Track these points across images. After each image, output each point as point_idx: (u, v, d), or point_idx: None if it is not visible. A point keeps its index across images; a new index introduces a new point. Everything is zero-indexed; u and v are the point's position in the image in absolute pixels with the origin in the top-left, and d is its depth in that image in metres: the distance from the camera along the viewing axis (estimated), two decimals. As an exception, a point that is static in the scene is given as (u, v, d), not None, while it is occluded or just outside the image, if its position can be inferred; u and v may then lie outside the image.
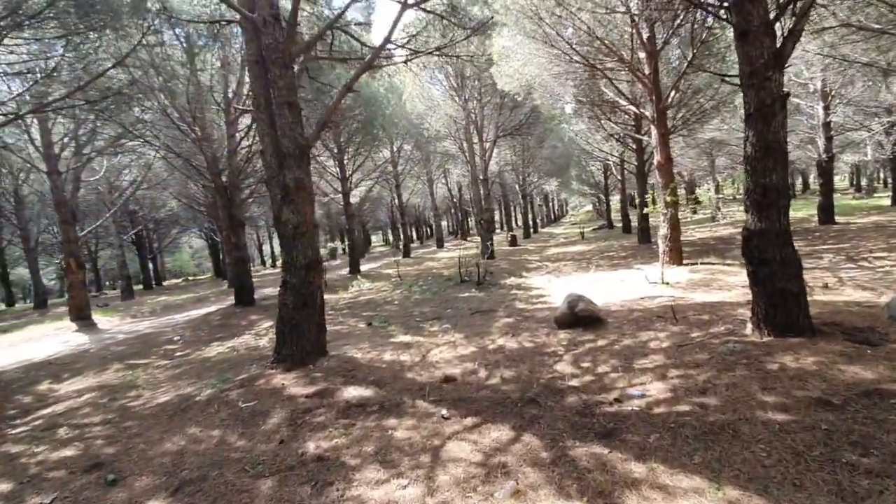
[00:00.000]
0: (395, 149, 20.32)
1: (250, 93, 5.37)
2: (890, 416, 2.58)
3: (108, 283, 38.51)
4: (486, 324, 6.83)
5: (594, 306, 5.95)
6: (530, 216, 34.27)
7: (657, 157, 9.38)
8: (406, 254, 23.51)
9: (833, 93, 13.39)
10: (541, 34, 8.10)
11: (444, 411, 3.63)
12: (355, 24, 6.86)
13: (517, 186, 26.02)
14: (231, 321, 10.42)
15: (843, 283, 6.88)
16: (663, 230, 9.54)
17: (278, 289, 5.47)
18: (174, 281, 37.10)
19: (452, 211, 46.37)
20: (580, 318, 5.86)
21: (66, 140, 13.37)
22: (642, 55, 9.16)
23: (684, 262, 9.59)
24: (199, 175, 11.86)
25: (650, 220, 14.63)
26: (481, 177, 15.83)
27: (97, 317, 14.00)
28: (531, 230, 30.65)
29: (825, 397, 2.96)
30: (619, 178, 19.64)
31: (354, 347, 6.03)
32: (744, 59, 4.21)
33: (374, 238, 65.49)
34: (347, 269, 18.03)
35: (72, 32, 7.67)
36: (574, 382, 3.94)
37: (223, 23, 5.79)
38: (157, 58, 8.84)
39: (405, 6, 5.59)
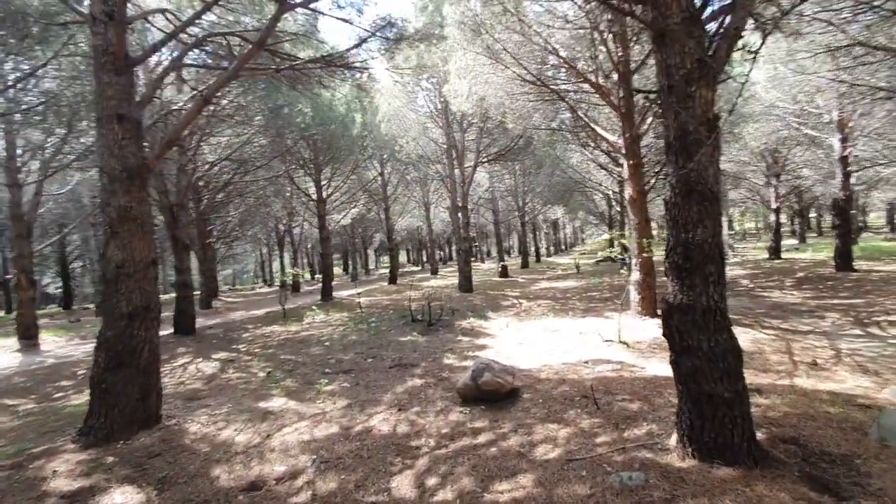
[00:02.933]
0: (380, 171, 19.51)
1: (99, 104, 4.45)
2: None
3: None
4: (389, 385, 5.65)
5: (503, 379, 4.70)
6: (533, 244, 32.93)
7: (629, 191, 8.15)
8: (392, 280, 22.43)
9: (852, 124, 11.91)
10: (484, 49, 7.11)
11: (165, 565, 2.47)
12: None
13: (516, 213, 24.84)
14: (155, 353, 9.46)
15: (839, 359, 5.45)
16: (635, 275, 8.22)
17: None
18: (165, 297, 36.84)
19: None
20: (484, 392, 4.63)
21: (28, 154, 12.97)
22: (615, 77, 8.04)
23: (658, 312, 8.20)
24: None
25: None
26: (460, 203, 14.75)
27: (46, 335, 13.35)
28: (530, 259, 29.23)
29: None
30: (617, 209, 18.28)
31: (209, 413, 4.93)
32: (661, 69, 3.07)
33: (383, 258, 64.79)
34: (320, 296, 17.08)
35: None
36: (387, 520, 2.72)
37: (70, 23, 4.99)
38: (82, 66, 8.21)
39: (284, 6, 4.67)
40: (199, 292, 21.26)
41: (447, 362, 6.67)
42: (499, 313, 11.03)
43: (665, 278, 3.16)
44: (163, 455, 3.85)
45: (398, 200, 23.43)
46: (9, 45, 7.70)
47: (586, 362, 5.83)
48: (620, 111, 7.94)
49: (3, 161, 12.45)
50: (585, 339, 7.19)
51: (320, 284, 27.83)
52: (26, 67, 9.48)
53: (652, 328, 7.48)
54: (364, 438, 4.00)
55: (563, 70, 8.12)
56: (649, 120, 8.26)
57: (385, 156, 18.28)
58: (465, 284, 14.83)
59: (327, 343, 8.78)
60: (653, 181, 10.18)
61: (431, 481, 3.10)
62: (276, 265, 42.89)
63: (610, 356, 6.02)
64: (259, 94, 10.93)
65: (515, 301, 12.89)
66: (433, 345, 7.99)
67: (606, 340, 6.75)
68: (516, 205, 24.19)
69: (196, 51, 5.40)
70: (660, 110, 8.50)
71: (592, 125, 8.77)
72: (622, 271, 7.53)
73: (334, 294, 17.53)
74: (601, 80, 7.91)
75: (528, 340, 7.70)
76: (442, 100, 14.29)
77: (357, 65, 6.95)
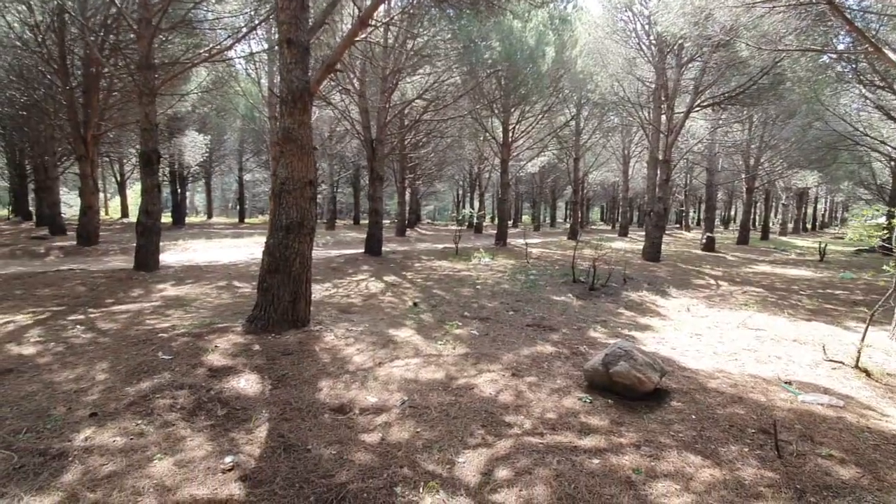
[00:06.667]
0: (574, 114, 17.73)
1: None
2: None
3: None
4: (517, 344, 5.17)
5: (644, 375, 3.69)
6: (762, 217, 26.33)
7: (934, 149, 5.23)
8: (573, 235, 21.06)
9: None
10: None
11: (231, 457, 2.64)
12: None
13: (743, 175, 19.85)
14: (344, 266, 11.02)
15: None
16: (914, 277, 5.48)
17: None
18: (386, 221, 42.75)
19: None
20: (616, 384, 3.75)
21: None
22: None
23: (949, 340, 5.38)
24: (351, 127, 12.63)
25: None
26: (661, 156, 12.29)
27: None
28: (753, 235, 23.50)
29: None
30: (912, 180, 12.59)
31: (347, 327, 5.33)
32: None
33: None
34: (494, 239, 17.25)
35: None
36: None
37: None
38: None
39: None
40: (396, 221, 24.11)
41: (592, 335, 5.77)
42: (683, 291, 9.13)
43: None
44: (293, 355, 4.31)
45: (592, 150, 21.35)
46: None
47: (788, 383, 4.20)
48: (951, 18, 4.97)
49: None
50: (797, 352, 5.24)
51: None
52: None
53: (926, 360, 4.97)
54: (461, 395, 3.69)
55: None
56: None
57: (582, 99, 16.49)
58: (651, 252, 12.76)
59: (479, 286, 8.70)
60: None
61: (501, 474, 2.58)
62: (468, 206, 45.41)
63: (830, 384, 4.19)
64: (453, 29, 10.80)
65: (711, 281, 10.50)
66: (585, 312, 7.07)
67: (833, 361, 4.75)
68: (745, 165, 19.29)
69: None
70: None
71: (882, 49, 5.84)
72: (886, 267, 5.10)
73: (509, 241, 17.48)
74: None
75: (709, 333, 6.08)
76: (656, 28, 11.77)
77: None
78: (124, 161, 28.05)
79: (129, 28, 10.07)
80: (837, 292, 9.37)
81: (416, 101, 12.51)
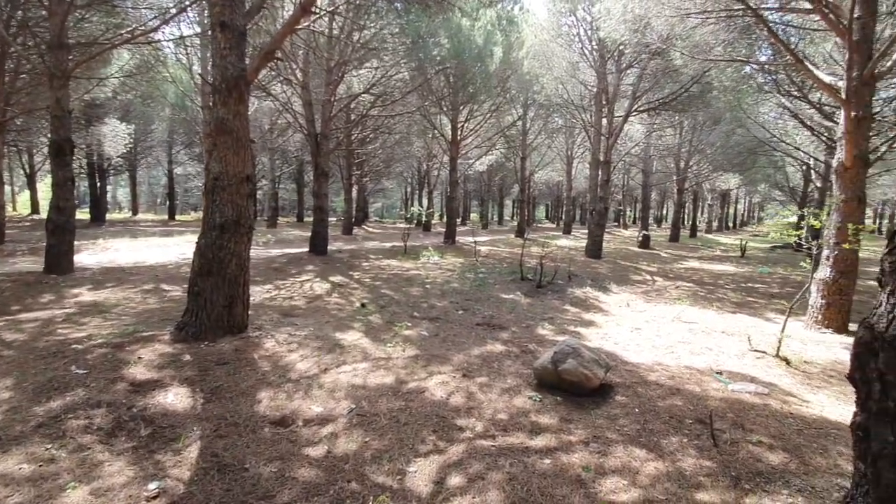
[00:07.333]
0: (520, 115, 18.11)
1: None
2: None
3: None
4: (467, 344, 5.14)
5: (591, 371, 3.77)
6: (691, 216, 28.34)
7: (840, 156, 5.81)
8: (520, 233, 21.54)
9: None
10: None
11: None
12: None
13: (674, 177, 21.24)
14: (287, 267, 10.51)
15: None
16: (823, 272, 6.05)
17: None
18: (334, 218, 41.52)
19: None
20: (564, 381, 3.80)
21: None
22: (854, -15, 5.52)
23: (850, 327, 6.01)
24: (294, 120, 12.07)
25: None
26: (602, 158, 12.85)
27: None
28: (683, 233, 25.24)
29: None
30: (817, 185, 14.05)
31: (290, 332, 5.05)
32: None
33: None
34: (443, 237, 17.23)
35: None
36: (383, 514, 2.23)
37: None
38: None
39: None
40: (342, 219, 23.44)
41: (540, 332, 5.87)
42: (623, 287, 9.56)
43: (879, 286, 1.88)
44: (229, 364, 3.99)
45: (538, 150, 21.92)
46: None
47: (719, 373, 4.47)
48: (850, 38, 5.51)
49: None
50: (726, 343, 5.62)
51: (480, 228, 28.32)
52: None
53: (834, 347, 5.50)
54: (412, 399, 3.58)
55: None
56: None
57: (529, 100, 16.84)
58: (593, 249, 13.29)
59: (429, 286, 8.61)
60: (882, 147, 7.31)
61: (454, 481, 2.51)
62: (417, 204, 45.09)
63: (756, 373, 4.52)
64: (401, 23, 10.59)
65: (648, 277, 11.09)
66: (534, 309, 7.20)
67: (757, 350, 5.13)
68: (676, 167, 20.63)
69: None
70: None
71: (803, 61, 6.39)
72: (803, 263, 5.58)
73: (458, 239, 17.52)
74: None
75: (647, 327, 6.39)
76: (598, 34, 12.24)
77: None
78: (34, 151, 25.20)
79: (40, 4, 8.99)
80: (757, 286, 10.21)
81: (363, 95, 12.18)
